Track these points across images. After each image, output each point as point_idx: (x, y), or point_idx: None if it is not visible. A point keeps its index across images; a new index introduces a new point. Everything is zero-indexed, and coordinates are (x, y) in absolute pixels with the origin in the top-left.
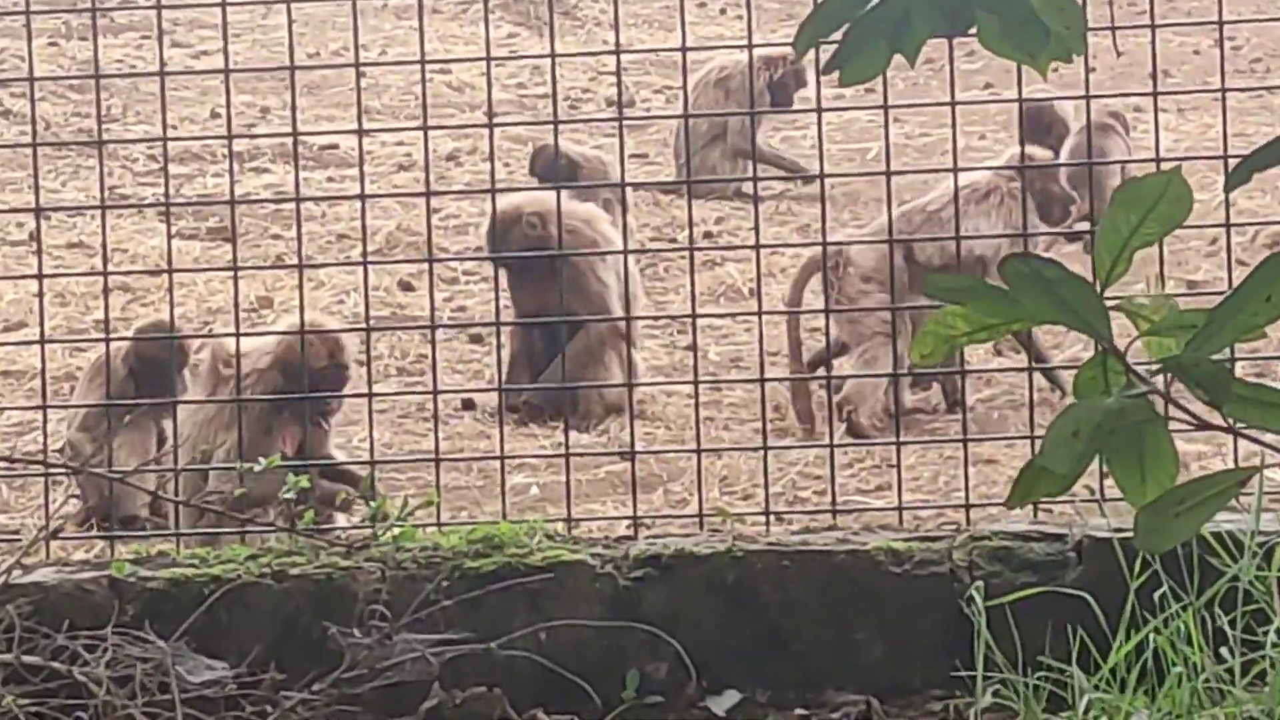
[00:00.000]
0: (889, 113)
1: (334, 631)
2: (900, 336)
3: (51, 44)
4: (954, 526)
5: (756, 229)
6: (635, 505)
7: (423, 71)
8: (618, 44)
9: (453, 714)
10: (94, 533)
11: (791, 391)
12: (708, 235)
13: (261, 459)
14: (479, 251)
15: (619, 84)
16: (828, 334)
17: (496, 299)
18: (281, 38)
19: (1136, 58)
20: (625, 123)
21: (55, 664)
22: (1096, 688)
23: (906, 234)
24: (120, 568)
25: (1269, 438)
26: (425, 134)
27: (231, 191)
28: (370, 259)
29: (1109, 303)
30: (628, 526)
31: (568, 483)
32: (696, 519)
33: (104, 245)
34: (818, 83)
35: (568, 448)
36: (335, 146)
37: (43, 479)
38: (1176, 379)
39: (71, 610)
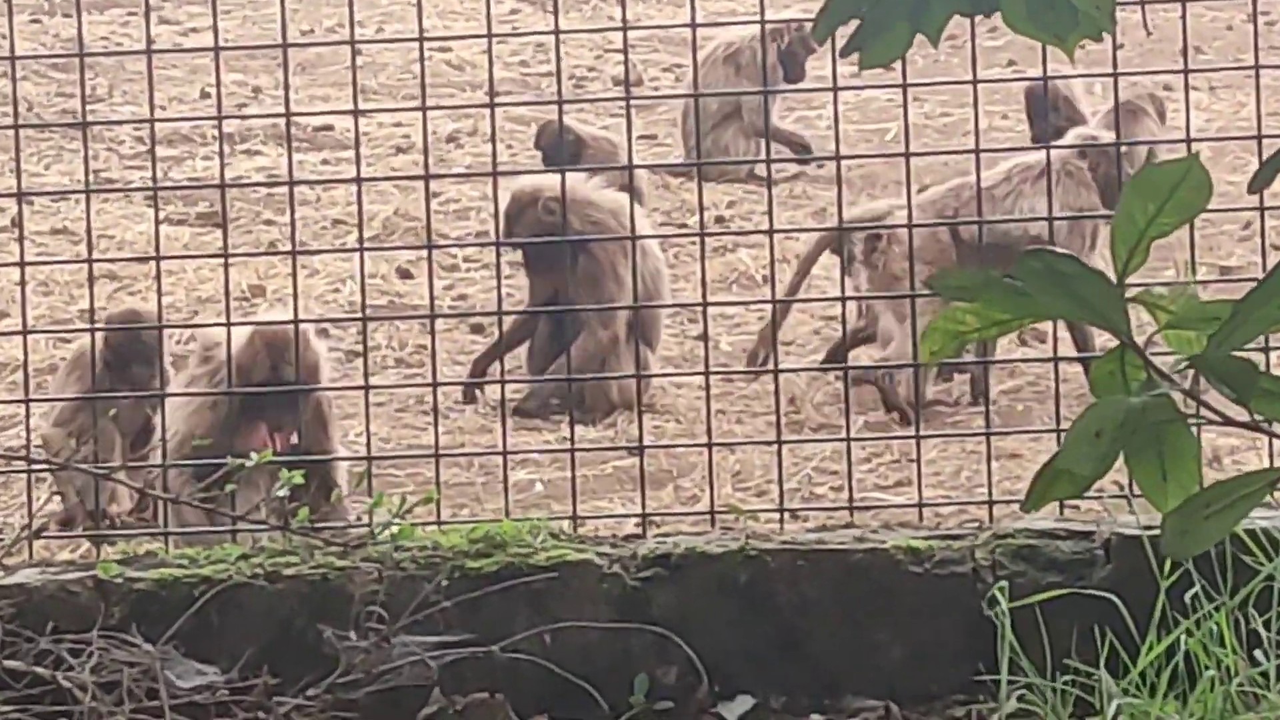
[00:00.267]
0: (908, 92)
1: (329, 634)
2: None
3: (34, 21)
4: (976, 524)
5: (770, 213)
6: (644, 502)
7: (421, 49)
8: (624, 20)
9: None
10: (79, 531)
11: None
12: (719, 220)
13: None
14: (480, 236)
15: (626, 62)
16: (844, 321)
17: (499, 287)
18: (274, 14)
19: (1166, 34)
20: (633, 102)
21: (39, 669)
22: (1125, 692)
23: (954, 210)
24: (106, 568)
25: None
26: (424, 114)
27: (222, 175)
28: (367, 245)
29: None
30: (636, 524)
31: (573, 479)
32: (708, 516)
33: (89, 231)
34: (834, 62)
35: (573, 442)
36: (330, 128)
37: (25, 476)
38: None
39: (55, 613)
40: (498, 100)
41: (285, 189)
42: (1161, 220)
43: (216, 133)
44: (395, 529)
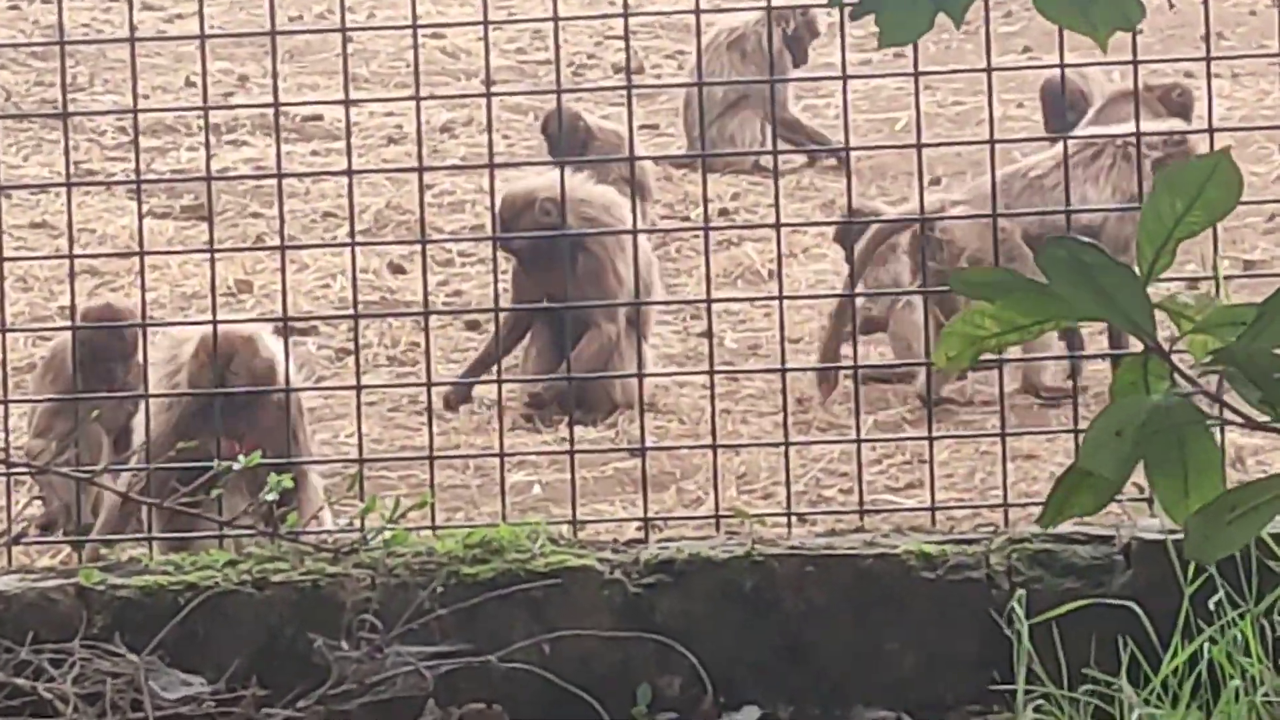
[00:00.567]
0: (919, 80)
1: (320, 643)
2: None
3: (12, 7)
4: (991, 528)
5: (777, 205)
6: (646, 505)
7: (414, 36)
8: (625, 6)
9: None
10: (59, 537)
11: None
12: (723, 213)
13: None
14: (475, 230)
15: (627, 49)
16: (854, 317)
17: (495, 282)
18: (261, 0)
19: (1188, 19)
20: (634, 91)
21: (18, 680)
22: (1147, 702)
23: (1004, 203)
24: (89, 575)
25: None
26: (417, 104)
27: (208, 167)
28: (358, 239)
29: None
30: (638, 529)
31: (573, 481)
32: (712, 520)
33: (70, 225)
34: (843, 49)
35: (573, 443)
36: (320, 118)
37: (4, 479)
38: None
39: (36, 621)
40: (494, 89)
41: (273, 181)
42: (1189, 219)
43: (202, 123)
44: (388, 534)
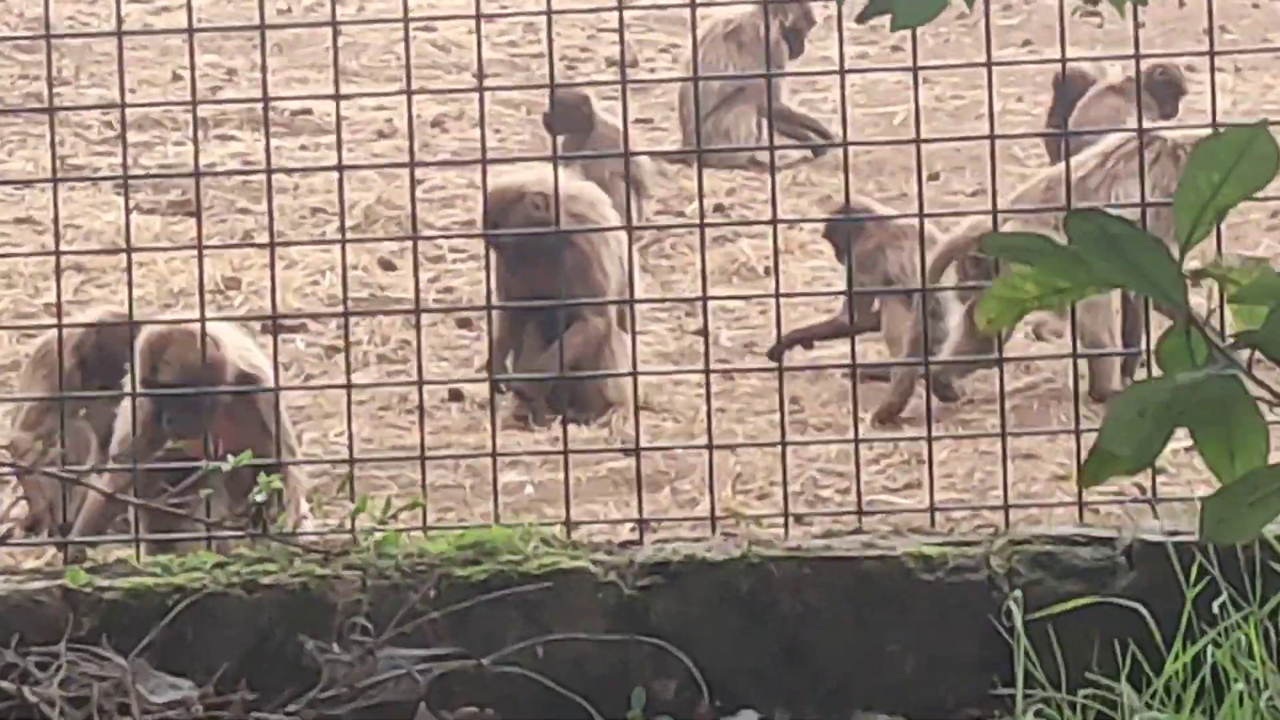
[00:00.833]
0: (918, 74)
1: (310, 646)
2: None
3: None
4: (991, 529)
5: (774, 201)
6: (641, 506)
7: (405, 29)
8: None
9: None
10: (44, 538)
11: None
12: (719, 208)
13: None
14: (467, 226)
15: (622, 42)
16: (853, 312)
17: (488, 279)
18: None
19: (1189, 12)
20: (629, 85)
21: (3, 683)
22: (1149, 706)
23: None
24: (75, 577)
25: None
26: (408, 98)
27: (196, 162)
28: (348, 235)
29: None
30: (632, 530)
31: (566, 481)
32: (708, 521)
33: (55, 221)
34: (840, 42)
35: (566, 443)
36: (309, 112)
37: None
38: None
39: (21, 624)
40: (486, 83)
41: (262, 176)
42: (1225, 192)
43: (189, 117)
44: (379, 535)
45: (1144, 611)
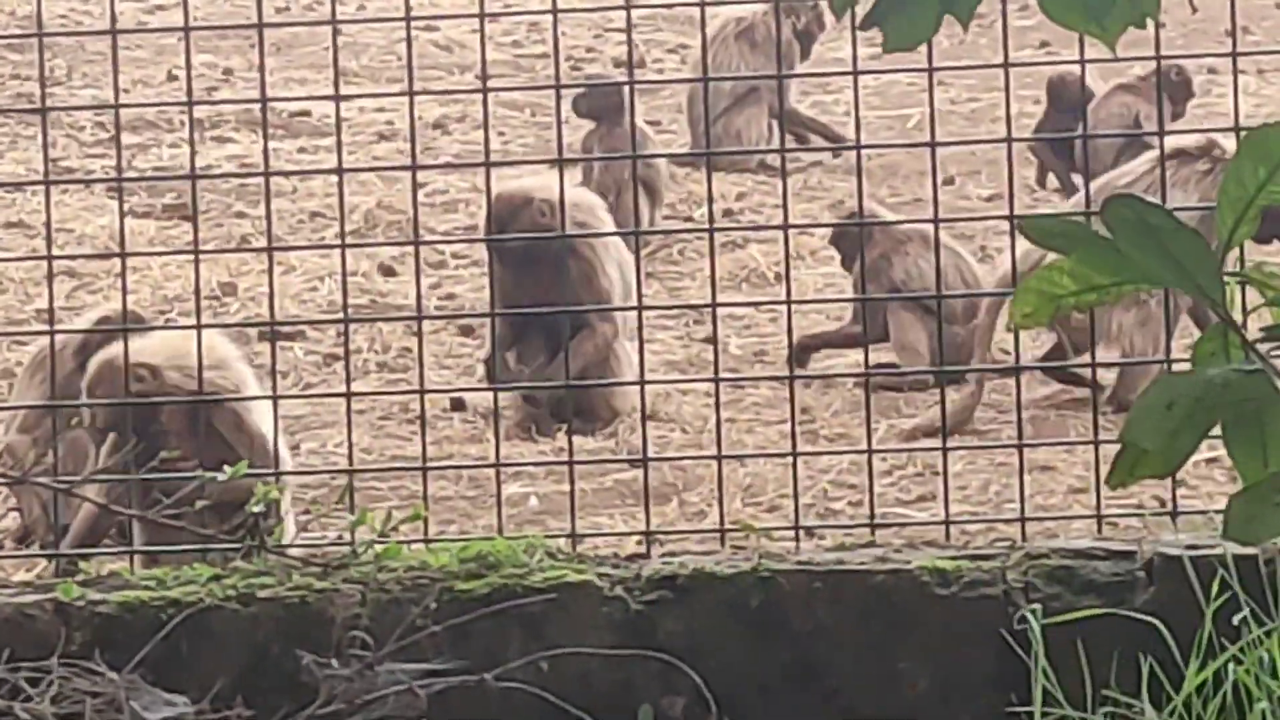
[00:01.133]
0: (933, 75)
1: (308, 661)
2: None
3: None
4: (1008, 543)
5: (785, 206)
6: (648, 519)
7: (407, 29)
8: None
9: None
10: (36, 550)
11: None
12: (728, 213)
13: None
14: (469, 231)
15: (629, 42)
16: (864, 319)
17: (491, 286)
18: None
19: (1211, 13)
20: (636, 86)
21: None
22: None
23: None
24: (68, 590)
25: None
26: (410, 99)
27: (191, 164)
28: (347, 240)
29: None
30: (639, 543)
31: (571, 493)
32: (717, 534)
33: (48, 225)
34: (853, 43)
35: (571, 454)
36: (308, 113)
37: None
38: None
39: (12, 638)
40: (489, 84)
41: (259, 179)
42: (1272, 187)
43: (185, 119)
44: (379, 547)
45: (1163, 627)
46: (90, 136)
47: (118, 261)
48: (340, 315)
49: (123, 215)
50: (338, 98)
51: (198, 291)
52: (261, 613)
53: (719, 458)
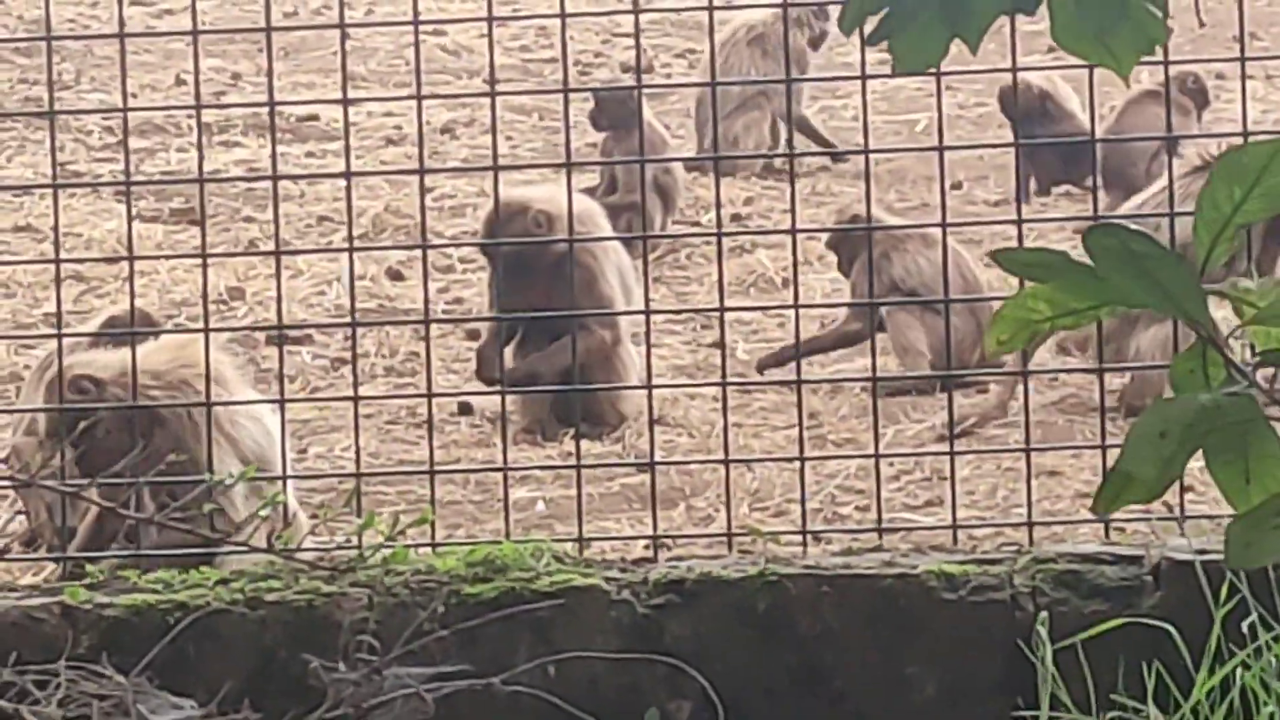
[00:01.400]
0: (941, 81)
1: (316, 665)
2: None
3: None
4: (1015, 547)
5: (793, 211)
6: (655, 523)
7: (415, 33)
8: (635, 2)
9: None
10: (43, 554)
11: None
12: (736, 218)
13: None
14: (477, 235)
15: (637, 47)
16: (874, 326)
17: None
18: None
19: (1219, 19)
20: (644, 90)
21: (1, 702)
22: None
23: (1155, 224)
24: (75, 593)
25: None
26: (418, 103)
27: (199, 168)
28: (355, 245)
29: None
30: (646, 547)
31: (578, 497)
32: (724, 538)
33: (55, 229)
34: (862, 49)
35: (579, 458)
36: (316, 118)
37: None
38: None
39: (19, 641)
40: (497, 89)
41: (267, 183)
42: (1248, 207)
43: (193, 123)
44: (387, 551)
45: (1171, 632)
46: (98, 140)
47: (125, 265)
48: (348, 319)
49: (130, 219)
50: (346, 102)
51: (205, 295)
52: (269, 616)
53: (726, 462)
